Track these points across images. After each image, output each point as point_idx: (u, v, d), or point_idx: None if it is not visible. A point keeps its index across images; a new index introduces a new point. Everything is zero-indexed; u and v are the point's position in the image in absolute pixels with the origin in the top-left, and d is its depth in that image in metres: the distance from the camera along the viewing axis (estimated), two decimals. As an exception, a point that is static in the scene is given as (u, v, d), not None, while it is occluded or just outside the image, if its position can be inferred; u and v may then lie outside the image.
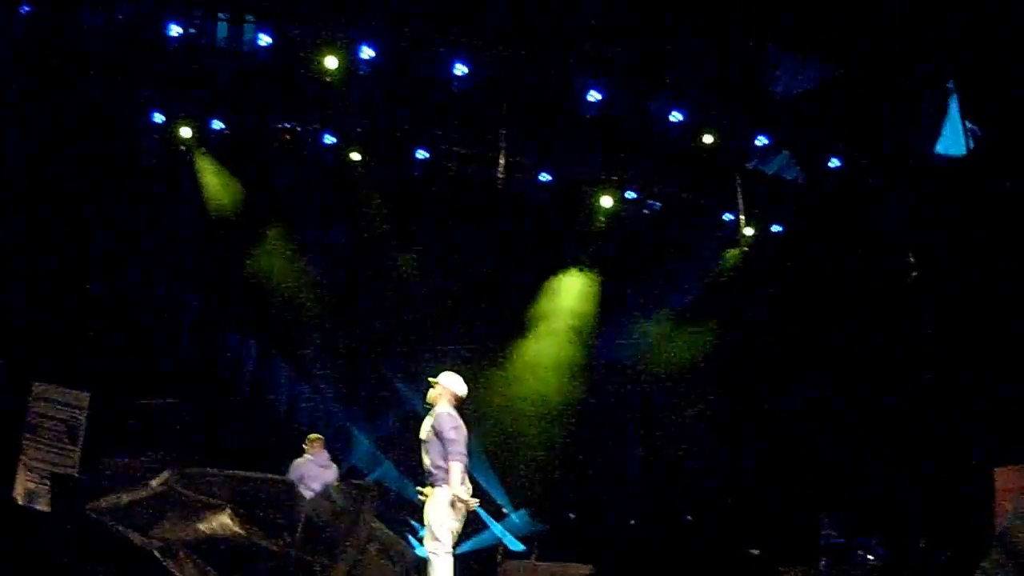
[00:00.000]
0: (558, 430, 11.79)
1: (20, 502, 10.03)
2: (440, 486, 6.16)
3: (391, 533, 7.47)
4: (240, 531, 5.03)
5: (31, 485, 10.36)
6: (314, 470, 8.53)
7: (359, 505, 5.77)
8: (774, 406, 11.39)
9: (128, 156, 11.05)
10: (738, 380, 11.71)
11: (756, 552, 10.69)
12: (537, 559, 10.62)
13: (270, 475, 5.28)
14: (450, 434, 6.19)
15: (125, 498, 5.21)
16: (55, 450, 10.61)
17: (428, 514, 6.17)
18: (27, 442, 10.41)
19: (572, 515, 11.07)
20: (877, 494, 10.80)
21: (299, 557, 5.05)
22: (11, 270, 10.05)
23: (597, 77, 10.52)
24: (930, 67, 10.67)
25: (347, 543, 5.48)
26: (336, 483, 7.02)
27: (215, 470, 5.23)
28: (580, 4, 10.15)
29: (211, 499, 5.16)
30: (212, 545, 4.95)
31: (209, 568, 4.83)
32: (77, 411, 10.70)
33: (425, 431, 6.34)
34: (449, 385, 6.54)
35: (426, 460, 6.25)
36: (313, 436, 9.13)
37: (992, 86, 10.49)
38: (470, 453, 6.36)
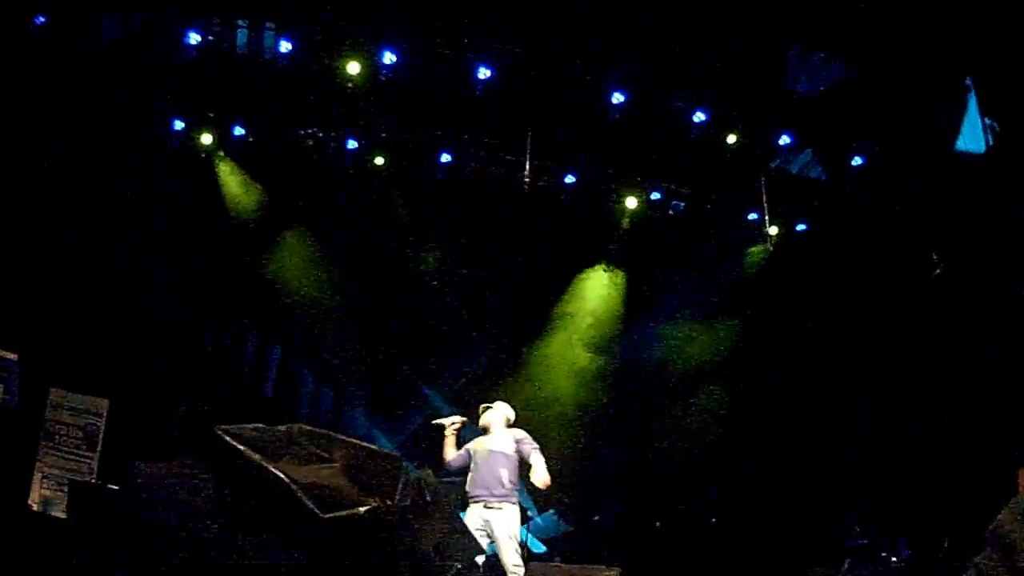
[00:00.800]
0: (582, 430, 11.79)
1: (36, 509, 10.02)
2: (512, 504, 6.68)
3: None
4: (347, 485, 5.30)
5: (47, 492, 10.36)
6: None
7: (451, 494, 6.20)
8: (798, 405, 11.38)
9: (149, 163, 11.02)
10: (762, 378, 11.71)
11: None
12: (562, 561, 10.61)
13: (382, 448, 5.63)
14: (535, 443, 6.86)
15: (250, 431, 5.47)
16: (72, 457, 10.60)
17: (509, 531, 6.63)
18: (44, 449, 10.41)
19: (597, 517, 11.04)
20: (901, 494, 10.81)
21: (398, 515, 5.34)
22: (29, 277, 10.04)
23: (620, 79, 10.53)
24: (948, 64, 10.69)
25: (439, 517, 5.83)
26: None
27: (333, 433, 5.57)
28: (602, 6, 10.15)
29: (326, 454, 5.44)
30: (321, 490, 5.23)
31: (315, 507, 5.11)
32: (96, 418, 10.70)
33: (502, 446, 6.81)
34: (507, 411, 7.17)
35: (504, 474, 6.70)
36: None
37: (1011, 82, 10.52)
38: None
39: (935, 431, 10.65)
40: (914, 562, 10.01)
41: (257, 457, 5.19)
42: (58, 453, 10.52)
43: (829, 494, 11.27)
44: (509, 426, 7.10)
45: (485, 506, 6.66)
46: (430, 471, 6.01)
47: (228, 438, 5.29)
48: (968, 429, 10.29)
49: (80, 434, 10.65)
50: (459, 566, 7.55)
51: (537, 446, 6.83)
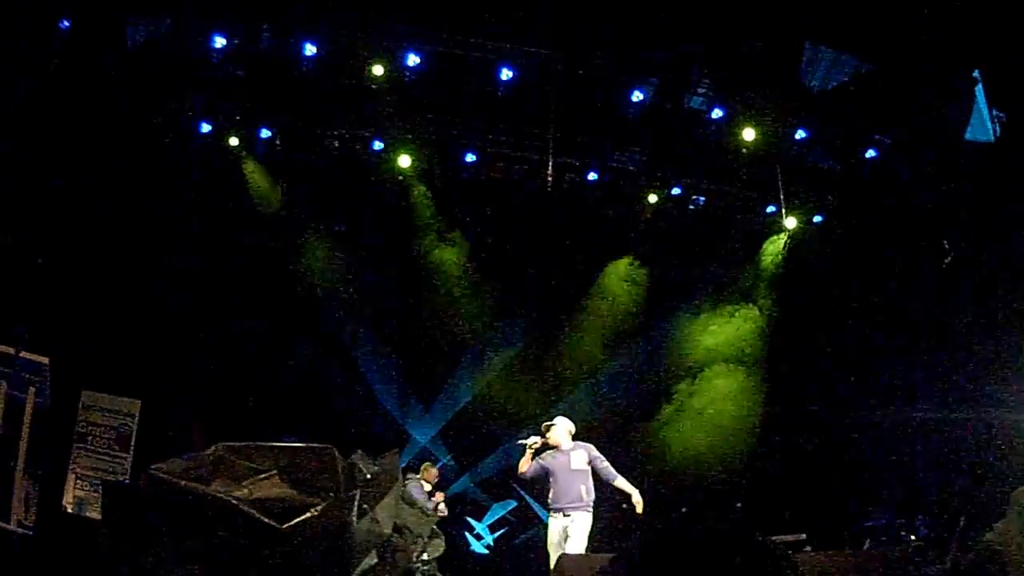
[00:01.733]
0: (610, 416, 12.09)
1: (70, 510, 10.19)
2: (588, 512, 7.43)
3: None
4: (292, 492, 5.42)
5: (81, 493, 10.54)
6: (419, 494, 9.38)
7: (390, 468, 6.35)
8: (818, 393, 11.67)
9: (177, 165, 11.19)
10: (780, 365, 11.99)
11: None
12: (592, 551, 10.85)
13: (310, 444, 5.70)
14: (605, 459, 7.67)
15: (180, 463, 5.53)
16: (106, 457, 10.77)
17: (583, 533, 7.43)
18: (77, 450, 10.58)
19: (625, 505, 11.26)
20: (919, 474, 11.12)
21: (351, 507, 5.48)
22: (59, 280, 10.20)
23: (639, 78, 10.77)
24: (956, 57, 10.97)
25: (387, 494, 6.00)
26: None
27: (259, 443, 5.65)
28: (620, 8, 10.38)
29: (258, 465, 5.53)
30: (272, 503, 5.35)
31: (272, 520, 5.22)
32: (128, 418, 10.86)
33: (580, 463, 7.60)
34: (569, 426, 7.83)
35: (583, 490, 7.49)
36: (429, 465, 9.99)
37: (1016, 74, 10.81)
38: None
39: (949, 413, 10.95)
40: (932, 540, 10.29)
41: (201, 487, 5.26)
42: (91, 454, 10.69)
43: (848, 477, 11.58)
44: (573, 437, 7.80)
45: (564, 514, 7.45)
46: (361, 452, 6.18)
47: (163, 475, 5.36)
48: (981, 410, 10.59)
49: (113, 435, 10.83)
50: (424, 539, 7.83)
51: (609, 463, 7.66)
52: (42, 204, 10.30)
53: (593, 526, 7.54)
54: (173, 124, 11.29)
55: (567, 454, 7.60)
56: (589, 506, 7.50)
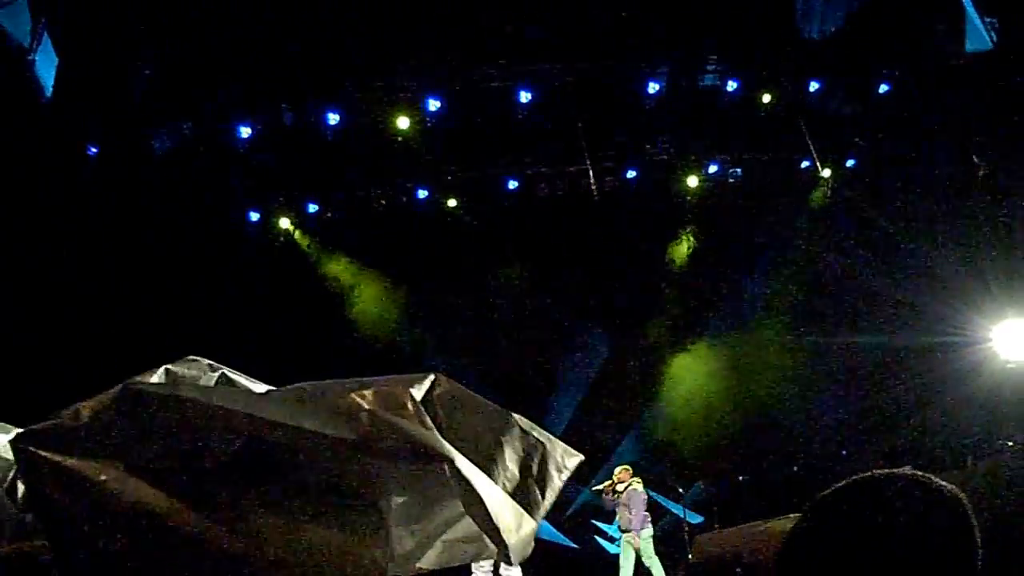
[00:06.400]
0: (715, 402, 12.45)
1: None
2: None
3: None
4: None
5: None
6: None
7: None
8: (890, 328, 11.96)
9: (237, 259, 11.54)
10: (843, 307, 12.32)
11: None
12: (719, 527, 11.15)
13: None
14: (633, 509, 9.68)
15: None
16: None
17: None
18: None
19: (742, 477, 11.60)
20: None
21: None
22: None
23: (651, 69, 11.20)
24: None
25: None
26: None
27: None
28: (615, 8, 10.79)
29: None
30: None
31: None
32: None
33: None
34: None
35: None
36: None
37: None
38: None
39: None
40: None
41: None
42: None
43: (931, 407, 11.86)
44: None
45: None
46: None
47: None
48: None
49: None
50: None
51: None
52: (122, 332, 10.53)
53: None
54: (222, 221, 11.62)
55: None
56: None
